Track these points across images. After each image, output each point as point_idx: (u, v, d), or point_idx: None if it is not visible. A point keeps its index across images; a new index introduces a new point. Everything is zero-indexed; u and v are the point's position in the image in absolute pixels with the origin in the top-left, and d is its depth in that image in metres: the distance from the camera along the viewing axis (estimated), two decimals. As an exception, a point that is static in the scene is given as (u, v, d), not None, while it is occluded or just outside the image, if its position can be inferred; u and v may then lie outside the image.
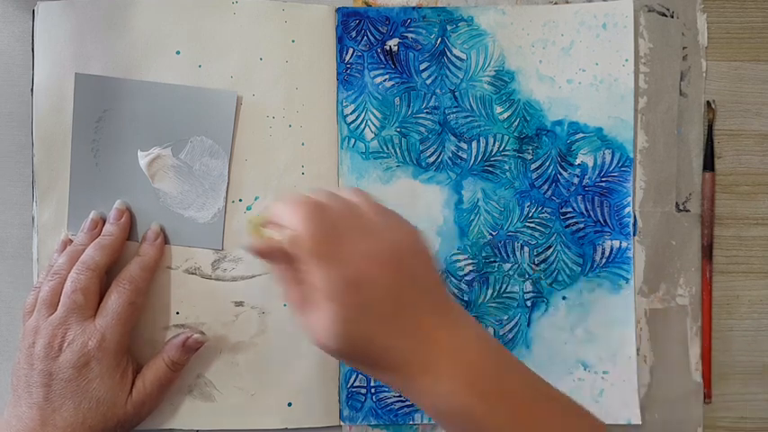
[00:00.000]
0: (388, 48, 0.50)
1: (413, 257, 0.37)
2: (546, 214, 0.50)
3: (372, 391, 0.49)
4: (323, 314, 0.35)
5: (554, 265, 0.50)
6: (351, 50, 0.50)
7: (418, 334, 0.36)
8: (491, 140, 0.50)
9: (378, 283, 0.35)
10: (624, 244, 0.50)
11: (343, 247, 0.36)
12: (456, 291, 0.50)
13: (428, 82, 0.50)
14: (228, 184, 0.49)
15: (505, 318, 0.50)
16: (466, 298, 0.50)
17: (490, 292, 0.50)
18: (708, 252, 0.50)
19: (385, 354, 0.36)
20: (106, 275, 0.46)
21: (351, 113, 0.50)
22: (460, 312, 0.38)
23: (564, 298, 0.50)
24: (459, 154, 0.50)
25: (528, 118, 0.50)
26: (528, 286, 0.50)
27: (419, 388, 0.36)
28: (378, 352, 0.36)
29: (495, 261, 0.50)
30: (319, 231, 0.36)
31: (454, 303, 0.38)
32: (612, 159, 0.50)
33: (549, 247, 0.50)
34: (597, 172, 0.50)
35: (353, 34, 0.50)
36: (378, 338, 0.35)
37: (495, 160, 0.50)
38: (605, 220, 0.50)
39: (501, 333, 0.50)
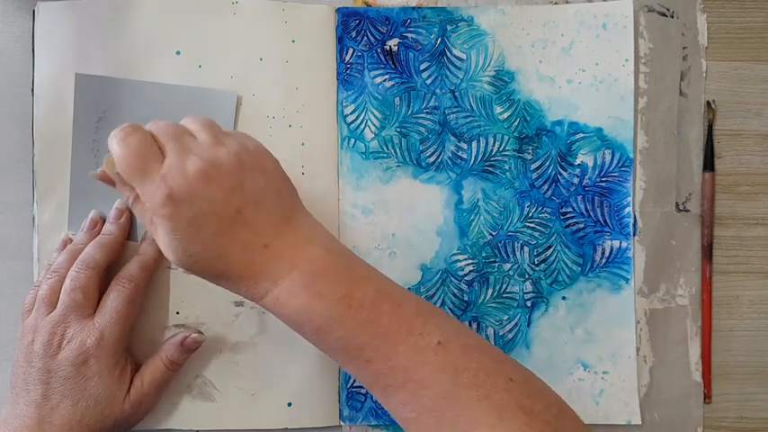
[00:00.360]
0: (388, 48, 0.50)
1: (247, 173, 0.38)
2: (546, 214, 0.50)
3: (372, 391, 0.49)
4: (158, 231, 0.37)
5: (554, 266, 0.50)
6: (351, 50, 0.50)
7: (251, 249, 0.37)
8: (491, 140, 0.50)
9: (201, 200, 0.36)
10: (624, 244, 0.50)
11: (156, 165, 0.37)
12: (456, 291, 0.50)
13: (428, 82, 0.50)
14: (228, 184, 0.49)
15: (505, 318, 0.50)
16: (466, 298, 0.50)
17: (490, 292, 0.50)
18: (708, 252, 0.50)
19: (225, 266, 0.38)
20: (106, 275, 0.46)
21: (351, 113, 0.50)
22: (303, 224, 0.39)
23: (564, 298, 0.50)
24: (459, 154, 0.50)
25: (528, 118, 0.50)
26: (528, 286, 0.50)
27: (262, 294, 0.38)
28: (217, 263, 0.38)
29: (495, 261, 0.50)
30: (130, 152, 0.37)
31: (305, 219, 0.40)
32: (612, 159, 0.50)
33: (549, 247, 0.50)
34: (597, 172, 0.50)
35: (353, 34, 0.50)
36: (214, 250, 0.37)
37: (495, 160, 0.50)
38: (605, 221, 0.50)
39: (501, 333, 0.50)
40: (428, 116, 0.50)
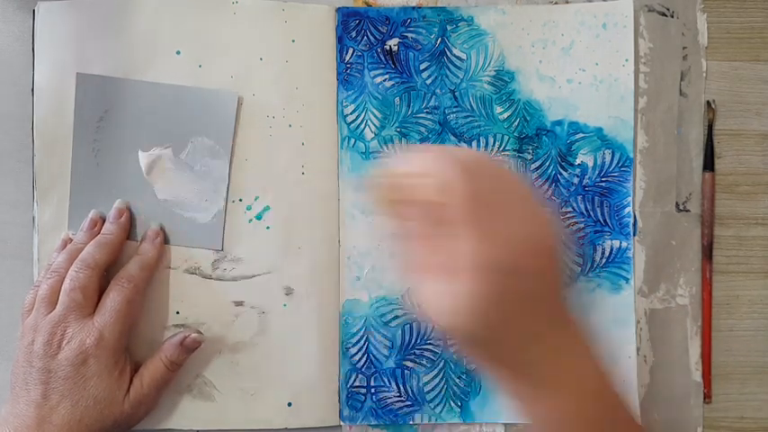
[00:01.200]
0: (388, 48, 0.50)
1: (557, 254, 0.34)
2: (546, 214, 0.50)
3: (372, 391, 0.49)
4: (462, 284, 0.31)
5: (554, 265, 0.50)
6: (351, 50, 0.50)
7: (538, 338, 0.33)
8: (491, 140, 0.50)
9: (526, 273, 0.32)
10: (624, 244, 0.50)
11: (499, 217, 0.32)
12: (456, 291, 0.50)
13: (428, 82, 0.50)
14: (228, 184, 0.49)
15: (505, 318, 0.50)
16: (466, 298, 0.50)
17: (490, 292, 0.50)
18: (708, 252, 0.50)
19: (501, 349, 0.33)
20: (105, 275, 0.46)
21: (351, 113, 0.50)
22: (580, 327, 0.36)
23: (564, 298, 0.50)
24: (459, 154, 0.50)
25: (528, 118, 0.50)
26: (528, 286, 0.50)
27: (527, 392, 0.34)
28: (497, 346, 0.33)
29: (495, 261, 0.50)
30: (476, 189, 0.31)
31: (573, 316, 0.36)
32: (612, 159, 0.50)
33: (549, 247, 0.50)
34: (597, 172, 0.50)
35: (353, 34, 0.50)
36: (502, 331, 0.33)
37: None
38: (605, 220, 0.50)
39: (501, 333, 0.50)
40: (428, 116, 0.50)
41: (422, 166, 0.33)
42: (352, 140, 0.50)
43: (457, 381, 0.49)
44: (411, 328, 0.50)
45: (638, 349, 0.49)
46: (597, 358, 0.35)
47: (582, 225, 0.50)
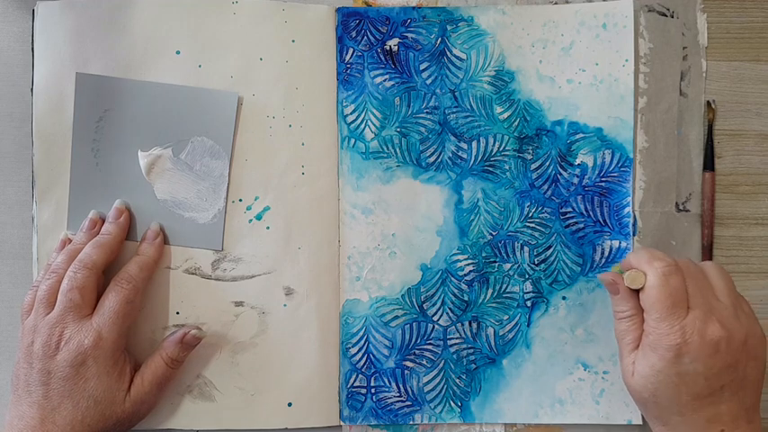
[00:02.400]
0: (388, 48, 0.50)
1: (744, 356, 0.40)
2: (546, 214, 0.50)
3: (372, 391, 0.49)
4: (642, 357, 0.41)
5: (554, 265, 0.50)
6: (351, 50, 0.50)
7: (709, 425, 0.40)
8: (491, 140, 0.50)
9: (701, 363, 0.39)
10: (624, 244, 0.50)
11: (685, 313, 0.40)
12: (456, 291, 0.50)
13: (428, 82, 0.50)
14: (228, 184, 0.49)
15: (505, 318, 0.50)
16: (466, 298, 0.50)
17: (490, 292, 0.50)
18: (708, 252, 0.50)
19: (671, 420, 0.40)
20: (105, 275, 0.46)
21: (351, 113, 0.50)
22: (756, 429, 0.41)
23: (564, 298, 0.50)
24: (459, 154, 0.50)
25: (528, 118, 0.50)
26: (528, 286, 0.50)
27: None
28: (665, 414, 0.41)
29: (495, 261, 0.50)
30: (670, 290, 0.40)
31: (757, 416, 0.41)
32: (612, 159, 0.50)
33: (549, 247, 0.50)
34: (597, 172, 0.50)
35: (353, 34, 0.50)
36: (673, 405, 0.40)
37: (495, 160, 0.50)
38: (605, 220, 0.50)
39: (501, 333, 0.50)
40: (428, 116, 0.50)
41: (637, 261, 0.42)
42: (352, 140, 0.50)
43: (457, 381, 0.50)
44: (411, 328, 0.50)
45: (638, 349, 0.49)
46: None
47: (581, 225, 0.50)
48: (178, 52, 0.49)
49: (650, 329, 0.41)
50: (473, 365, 0.49)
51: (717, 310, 0.41)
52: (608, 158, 0.50)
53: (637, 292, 0.42)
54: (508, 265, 0.50)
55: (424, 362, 0.50)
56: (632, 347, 0.42)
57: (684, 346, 0.39)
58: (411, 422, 0.49)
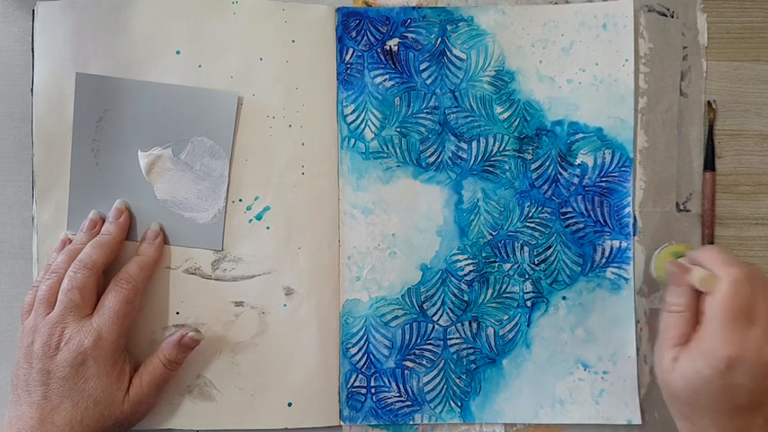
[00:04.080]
0: (388, 48, 0.50)
1: None
2: (546, 214, 0.50)
3: (372, 391, 0.49)
4: (690, 359, 0.40)
5: (554, 265, 0.50)
6: (351, 50, 0.50)
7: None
8: (491, 140, 0.50)
9: (751, 380, 0.38)
10: (624, 244, 0.50)
11: (749, 326, 0.39)
12: (456, 291, 0.50)
13: (428, 82, 0.50)
14: (228, 184, 0.49)
15: (505, 318, 0.50)
16: (466, 298, 0.50)
17: (490, 292, 0.50)
18: (708, 252, 0.50)
19: (701, 423, 0.40)
20: (105, 275, 0.46)
21: (351, 113, 0.50)
22: None
23: (564, 298, 0.50)
24: (459, 154, 0.50)
25: (528, 118, 0.50)
26: (528, 286, 0.50)
27: None
28: (697, 417, 0.40)
29: (495, 261, 0.50)
30: (740, 299, 0.39)
31: None
32: (612, 159, 0.50)
33: (549, 247, 0.50)
34: (597, 172, 0.50)
35: (353, 34, 0.50)
36: (708, 411, 0.39)
37: (495, 160, 0.50)
38: (605, 220, 0.50)
39: (501, 333, 0.50)
40: (428, 116, 0.50)
41: (706, 260, 0.41)
42: (352, 140, 0.50)
43: (457, 381, 0.49)
44: (411, 328, 0.50)
45: (637, 349, 0.49)
46: None
47: (582, 225, 0.50)
48: (178, 52, 0.49)
49: (707, 335, 0.39)
50: (473, 365, 0.49)
51: None
52: (608, 158, 0.50)
53: (697, 290, 0.41)
54: (508, 265, 0.50)
55: (424, 362, 0.50)
56: (674, 343, 0.41)
57: (738, 361, 0.38)
58: (411, 422, 0.49)
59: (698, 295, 0.41)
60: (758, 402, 0.39)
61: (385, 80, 0.50)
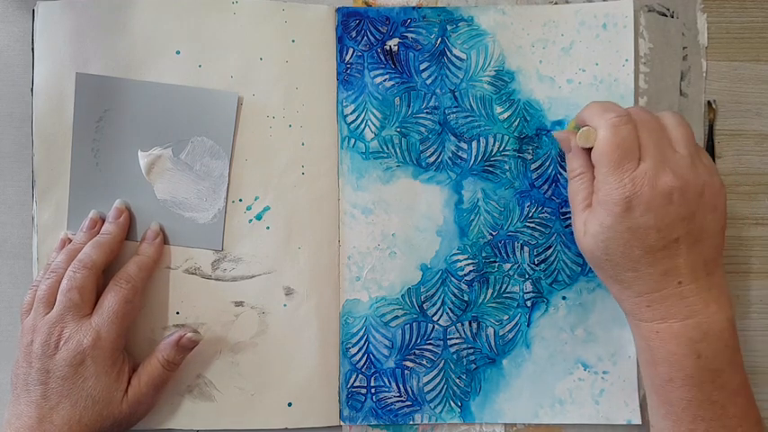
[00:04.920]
0: (388, 48, 0.50)
1: (701, 207, 0.38)
2: (546, 214, 0.50)
3: (372, 391, 0.49)
4: (593, 215, 0.39)
5: (554, 265, 0.50)
6: (351, 50, 0.50)
7: (666, 278, 0.38)
8: (491, 140, 0.50)
9: (653, 214, 0.37)
10: (624, 244, 0.50)
11: (636, 165, 0.38)
12: (456, 291, 0.50)
13: (428, 82, 0.50)
14: (228, 184, 0.49)
15: (505, 318, 0.50)
16: (466, 298, 0.50)
17: (490, 292, 0.50)
18: (708, 252, 0.50)
19: (631, 279, 0.39)
20: (104, 275, 0.46)
21: (351, 113, 0.50)
22: (718, 282, 0.39)
23: (564, 298, 0.50)
24: (459, 154, 0.50)
25: (528, 118, 0.50)
26: (528, 286, 0.50)
27: (645, 318, 0.39)
28: (620, 271, 0.39)
29: (495, 261, 0.50)
30: (618, 140, 0.38)
31: (718, 268, 0.40)
32: (612, 159, 0.50)
33: (549, 247, 0.50)
34: (597, 172, 0.50)
35: (353, 34, 0.50)
36: (628, 261, 0.38)
37: (495, 160, 0.50)
38: (605, 220, 0.50)
39: (501, 333, 0.50)
40: (428, 116, 0.50)
41: (588, 116, 0.41)
42: (352, 140, 0.50)
43: (457, 381, 0.50)
44: (411, 328, 0.50)
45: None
46: (730, 310, 0.40)
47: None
48: (178, 52, 0.49)
49: (599, 185, 0.39)
50: (473, 365, 0.49)
51: (671, 161, 0.39)
52: (608, 158, 0.50)
53: (589, 150, 0.41)
54: (508, 265, 0.50)
55: (424, 362, 0.50)
56: (583, 206, 0.41)
57: (634, 199, 0.37)
58: (411, 422, 0.49)
59: (589, 154, 0.41)
60: (672, 240, 0.38)
61: (385, 80, 0.50)
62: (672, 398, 0.39)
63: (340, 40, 0.50)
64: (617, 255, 0.39)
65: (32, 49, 0.49)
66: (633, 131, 0.39)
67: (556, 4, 0.51)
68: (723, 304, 0.39)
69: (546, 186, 0.50)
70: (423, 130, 0.50)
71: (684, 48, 0.51)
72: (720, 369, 0.38)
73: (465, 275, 0.50)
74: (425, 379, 0.50)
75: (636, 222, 0.38)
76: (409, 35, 0.50)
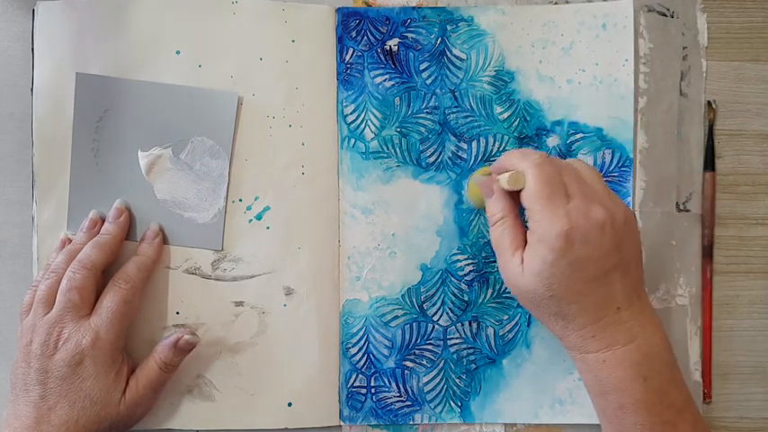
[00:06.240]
0: (388, 48, 0.50)
1: (626, 235, 0.40)
2: (546, 214, 0.50)
3: (372, 391, 0.49)
4: (531, 254, 0.40)
5: (554, 265, 0.50)
6: (351, 50, 0.50)
7: (606, 306, 0.40)
8: (491, 140, 0.50)
9: (591, 245, 0.39)
10: (624, 244, 0.50)
11: (566, 201, 0.39)
12: (456, 291, 0.50)
13: (428, 82, 0.50)
14: (228, 184, 0.49)
15: (505, 318, 0.50)
16: (466, 298, 0.50)
17: (490, 292, 0.50)
18: (708, 252, 0.50)
19: (575, 311, 0.40)
20: (104, 275, 0.46)
21: (351, 113, 0.50)
22: (647, 303, 0.42)
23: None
24: (459, 154, 0.50)
25: (528, 118, 0.50)
26: (528, 286, 0.50)
27: (591, 349, 0.40)
28: (564, 306, 0.40)
29: (495, 261, 0.50)
30: (546, 178, 0.39)
31: (644, 292, 0.42)
32: (612, 159, 0.50)
33: (549, 247, 0.50)
34: (597, 172, 0.50)
35: (353, 34, 0.50)
36: (570, 295, 0.39)
37: (495, 160, 0.50)
38: (605, 220, 0.50)
39: (501, 333, 0.50)
40: (428, 116, 0.50)
41: (507, 162, 0.42)
42: (352, 140, 0.50)
43: (457, 381, 0.49)
44: (411, 328, 0.50)
45: (638, 349, 0.49)
46: (662, 329, 0.41)
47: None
48: (178, 52, 0.49)
49: (536, 224, 0.39)
50: (473, 365, 0.49)
51: (595, 195, 0.40)
52: (608, 158, 0.50)
53: (509, 193, 0.42)
54: (508, 265, 0.50)
55: (424, 362, 0.50)
56: (512, 249, 0.41)
57: (572, 232, 0.38)
58: (411, 422, 0.49)
59: (515, 198, 0.42)
60: (608, 268, 0.40)
61: (385, 80, 0.50)
62: (625, 424, 0.40)
63: (340, 40, 0.50)
64: (560, 289, 0.39)
65: (32, 49, 0.49)
66: (557, 170, 0.40)
67: (556, 4, 0.51)
68: (656, 324, 0.41)
69: (546, 186, 0.50)
70: (423, 130, 0.50)
71: (684, 48, 0.51)
72: (666, 389, 0.40)
73: (465, 275, 0.50)
74: (425, 379, 0.50)
75: (576, 255, 0.39)
76: (409, 35, 0.50)
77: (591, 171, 0.42)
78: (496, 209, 0.42)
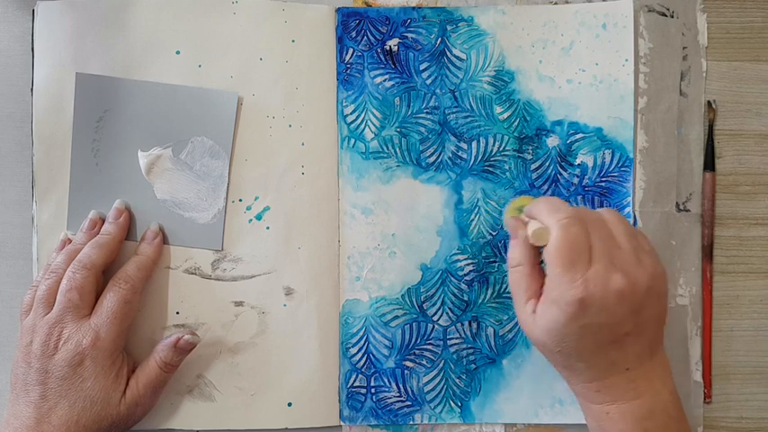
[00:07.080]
0: (388, 48, 0.50)
1: (648, 299, 0.40)
2: (546, 214, 0.50)
3: (372, 391, 0.49)
4: (544, 310, 0.40)
5: (554, 265, 0.50)
6: (351, 50, 0.50)
7: (615, 367, 0.40)
8: (491, 140, 0.50)
9: (606, 313, 0.38)
10: (624, 244, 0.50)
11: (588, 266, 0.39)
12: (456, 291, 0.50)
13: (428, 82, 0.50)
14: (228, 184, 0.49)
15: (505, 318, 0.50)
16: (466, 298, 0.50)
17: (490, 292, 0.50)
18: (708, 252, 0.50)
19: (582, 368, 0.40)
20: (104, 275, 0.46)
21: (351, 113, 0.50)
22: (660, 361, 0.42)
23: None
24: (459, 154, 0.50)
25: (528, 118, 0.50)
26: (528, 286, 0.50)
27: (596, 401, 0.41)
28: (572, 362, 0.40)
29: (495, 261, 0.50)
30: (570, 242, 0.39)
31: (660, 348, 0.42)
32: (612, 159, 0.50)
33: (549, 247, 0.50)
34: (597, 172, 0.50)
35: (353, 34, 0.50)
36: (580, 354, 0.40)
37: (495, 160, 0.50)
38: (605, 220, 0.50)
39: (501, 333, 0.50)
40: (428, 116, 0.50)
41: (537, 212, 0.41)
42: (352, 140, 0.50)
43: (457, 381, 0.49)
44: (411, 328, 0.50)
45: (638, 349, 0.49)
46: (671, 383, 0.42)
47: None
48: (178, 52, 0.49)
49: (552, 284, 0.39)
50: (473, 365, 0.49)
51: (619, 260, 0.39)
52: (608, 158, 0.50)
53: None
54: (508, 265, 0.50)
55: (424, 362, 0.50)
56: (526, 298, 0.41)
57: (587, 299, 0.38)
58: (411, 422, 0.49)
59: (532, 247, 0.42)
60: (622, 334, 0.39)
61: (385, 80, 0.50)
62: None
63: (340, 40, 0.50)
64: (569, 348, 0.40)
65: (32, 49, 0.49)
66: (583, 232, 0.39)
67: (556, 4, 0.51)
68: (665, 379, 0.41)
69: (546, 186, 0.50)
70: (423, 130, 0.50)
71: (684, 48, 0.51)
72: None
73: (465, 275, 0.50)
74: (425, 379, 0.49)
75: (590, 321, 0.38)
76: (409, 35, 0.50)
77: (623, 227, 0.41)
78: (516, 254, 0.42)
